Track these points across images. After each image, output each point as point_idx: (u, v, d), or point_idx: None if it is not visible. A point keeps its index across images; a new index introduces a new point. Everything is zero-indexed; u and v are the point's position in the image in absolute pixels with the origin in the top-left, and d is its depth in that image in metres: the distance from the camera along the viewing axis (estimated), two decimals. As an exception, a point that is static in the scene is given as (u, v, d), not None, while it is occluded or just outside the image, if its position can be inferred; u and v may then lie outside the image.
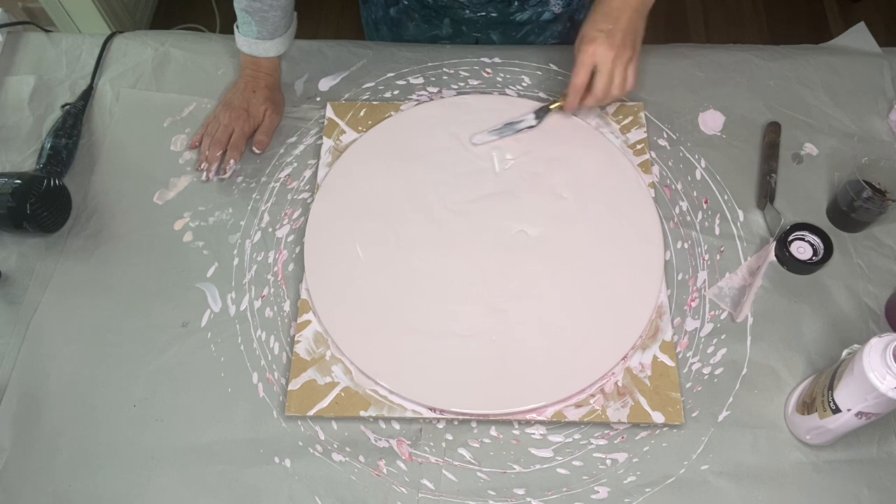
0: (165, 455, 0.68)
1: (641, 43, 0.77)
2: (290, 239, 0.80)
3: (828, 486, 0.66)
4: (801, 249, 0.77)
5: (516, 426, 0.69)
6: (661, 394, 0.70)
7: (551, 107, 0.84)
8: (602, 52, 0.75)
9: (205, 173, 0.84)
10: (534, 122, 0.83)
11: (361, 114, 0.88)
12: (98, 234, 0.81)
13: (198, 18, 2.05)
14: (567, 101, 0.80)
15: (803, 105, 0.88)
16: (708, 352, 0.73)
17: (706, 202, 0.82)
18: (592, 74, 0.76)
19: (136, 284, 0.78)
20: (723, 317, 0.75)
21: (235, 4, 0.84)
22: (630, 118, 0.87)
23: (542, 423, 0.69)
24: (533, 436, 0.69)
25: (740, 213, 0.81)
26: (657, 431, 0.69)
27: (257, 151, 0.85)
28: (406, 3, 0.98)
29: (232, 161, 0.84)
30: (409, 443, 0.69)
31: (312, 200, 0.82)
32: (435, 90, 0.90)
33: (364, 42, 0.96)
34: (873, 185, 0.76)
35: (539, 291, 0.75)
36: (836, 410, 0.60)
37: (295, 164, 0.85)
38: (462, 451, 0.68)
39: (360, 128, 0.87)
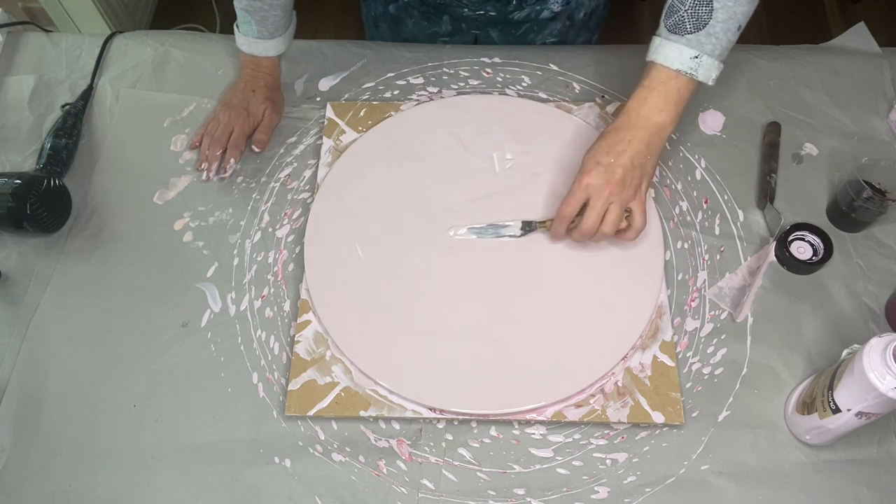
0: (165, 455, 0.68)
1: (648, 182, 0.71)
2: (290, 239, 0.80)
3: (828, 486, 0.66)
4: (801, 249, 0.77)
5: (516, 426, 0.69)
6: (661, 394, 0.70)
7: (538, 225, 0.77)
8: (597, 185, 0.69)
9: (205, 173, 0.84)
10: (518, 233, 0.77)
11: (361, 114, 0.88)
12: (98, 234, 0.81)
13: (198, 18, 2.05)
14: (552, 227, 0.74)
15: (803, 105, 0.88)
16: (708, 352, 0.73)
17: (706, 202, 0.82)
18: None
19: (136, 284, 0.78)
20: (723, 317, 0.75)
21: (235, 4, 0.84)
22: (630, 118, 0.86)
23: (542, 423, 0.69)
24: (533, 436, 0.69)
25: (740, 213, 0.81)
26: (657, 431, 0.69)
27: (257, 150, 0.85)
28: (405, 0, 0.98)
29: (232, 160, 0.84)
30: (409, 443, 0.69)
31: (312, 200, 0.82)
32: (435, 90, 0.90)
33: (364, 42, 0.96)
34: (873, 185, 0.76)
35: (539, 291, 0.75)
36: (836, 410, 0.60)
37: (295, 164, 0.85)
38: (462, 451, 0.68)
39: (360, 128, 0.87)
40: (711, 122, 0.87)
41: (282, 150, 0.87)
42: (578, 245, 0.76)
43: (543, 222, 0.78)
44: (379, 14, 1.04)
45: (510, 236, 0.78)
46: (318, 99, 0.90)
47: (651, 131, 0.70)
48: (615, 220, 0.70)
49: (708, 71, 0.69)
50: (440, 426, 0.69)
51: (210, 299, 0.76)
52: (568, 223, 0.73)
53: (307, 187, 0.84)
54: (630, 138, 0.69)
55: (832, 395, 0.60)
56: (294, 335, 0.74)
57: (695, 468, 0.67)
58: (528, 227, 0.78)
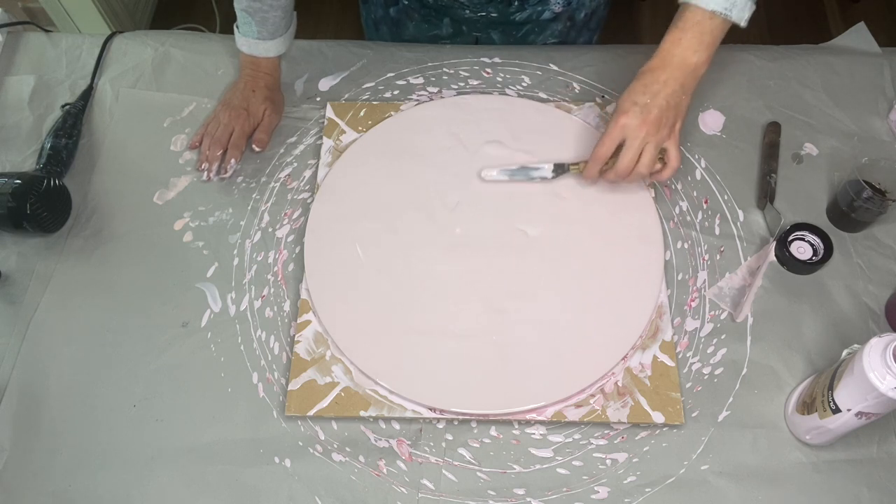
0: (165, 455, 0.68)
1: (682, 122, 0.73)
2: (290, 239, 0.80)
3: (828, 486, 0.66)
4: (801, 249, 0.77)
5: (516, 426, 0.69)
6: (661, 394, 0.70)
7: (571, 167, 0.79)
8: (633, 126, 0.70)
9: (206, 173, 0.84)
10: (549, 175, 0.79)
11: (361, 114, 0.88)
12: (98, 234, 0.81)
13: (198, 18, 2.05)
14: (587, 168, 0.76)
15: (803, 105, 0.88)
16: (708, 352, 0.73)
17: (706, 202, 0.82)
18: (620, 147, 0.72)
19: (136, 284, 0.78)
20: (723, 317, 0.75)
21: (236, 4, 0.84)
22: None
23: (542, 423, 0.69)
24: (533, 436, 0.69)
25: (740, 213, 0.81)
26: (657, 431, 0.69)
27: (257, 150, 0.85)
28: (406, 2, 0.98)
29: (233, 160, 0.84)
30: (409, 443, 0.69)
31: (312, 200, 0.82)
32: (435, 90, 0.90)
33: (364, 42, 0.96)
34: (873, 185, 0.76)
35: (539, 291, 0.75)
36: (836, 410, 0.60)
37: (295, 164, 0.85)
38: (462, 451, 0.68)
39: (360, 128, 0.87)
40: (711, 122, 0.87)
41: (282, 150, 0.87)
42: (578, 244, 0.76)
43: (577, 164, 0.79)
44: (379, 17, 1.04)
45: (542, 178, 0.80)
46: (318, 99, 0.90)
47: (686, 71, 0.70)
48: (650, 160, 0.72)
49: (742, 11, 0.69)
50: (440, 426, 0.69)
51: (210, 299, 0.76)
52: (602, 164, 0.74)
53: (307, 187, 0.84)
54: (665, 79, 0.70)
55: (832, 395, 0.60)
56: (294, 335, 0.74)
57: (695, 468, 0.67)
58: (559, 169, 0.79)
